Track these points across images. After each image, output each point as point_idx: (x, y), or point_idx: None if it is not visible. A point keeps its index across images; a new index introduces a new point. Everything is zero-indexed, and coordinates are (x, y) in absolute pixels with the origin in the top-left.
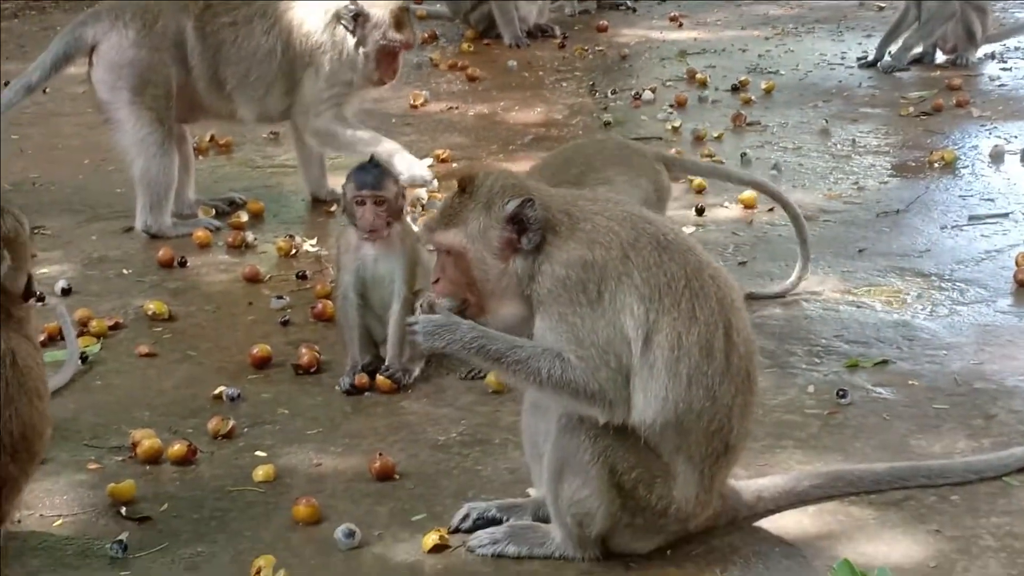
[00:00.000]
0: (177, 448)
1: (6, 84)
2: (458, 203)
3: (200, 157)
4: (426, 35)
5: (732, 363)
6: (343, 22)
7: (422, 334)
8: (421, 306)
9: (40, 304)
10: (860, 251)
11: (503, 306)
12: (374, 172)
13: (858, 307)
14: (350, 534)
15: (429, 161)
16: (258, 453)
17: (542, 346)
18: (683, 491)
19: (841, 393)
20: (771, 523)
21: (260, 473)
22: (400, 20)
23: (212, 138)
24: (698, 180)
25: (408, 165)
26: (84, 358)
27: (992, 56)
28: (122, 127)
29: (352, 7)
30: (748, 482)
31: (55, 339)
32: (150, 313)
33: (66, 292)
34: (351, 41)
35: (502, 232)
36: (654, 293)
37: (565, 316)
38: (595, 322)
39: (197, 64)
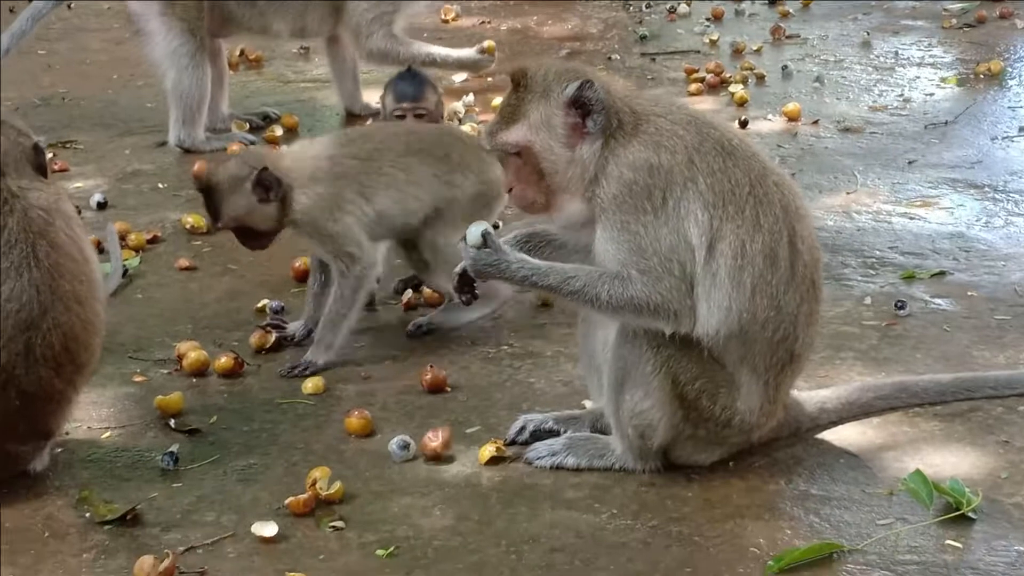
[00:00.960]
0: (224, 361)
1: None
2: (515, 100)
3: (230, 72)
4: None
5: (797, 271)
6: None
7: (472, 271)
8: (468, 240)
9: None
10: (910, 163)
11: (571, 202)
12: (414, 83)
13: (911, 219)
14: (404, 446)
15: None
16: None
17: (597, 271)
18: (747, 401)
19: (899, 304)
20: (834, 435)
21: (309, 386)
22: None
23: (242, 52)
24: (740, 92)
25: (471, 61)
26: (124, 271)
27: None
28: (153, 39)
29: None
30: (810, 393)
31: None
32: (188, 227)
33: (102, 206)
34: None
35: (565, 117)
36: (718, 200)
37: (627, 225)
38: (658, 230)
39: None
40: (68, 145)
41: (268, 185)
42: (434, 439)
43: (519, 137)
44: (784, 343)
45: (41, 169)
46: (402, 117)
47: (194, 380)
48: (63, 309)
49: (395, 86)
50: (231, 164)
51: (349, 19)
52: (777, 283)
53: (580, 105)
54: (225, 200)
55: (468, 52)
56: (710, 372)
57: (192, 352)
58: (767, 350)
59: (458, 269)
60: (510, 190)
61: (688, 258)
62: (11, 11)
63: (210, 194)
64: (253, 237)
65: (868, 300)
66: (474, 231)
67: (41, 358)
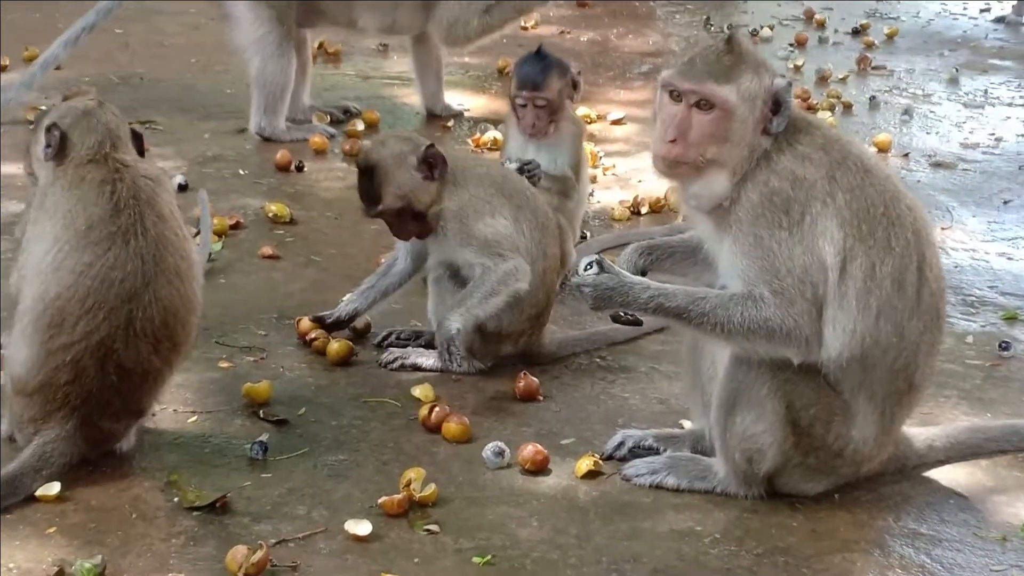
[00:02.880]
0: (338, 346)
1: None
2: (729, 60)
3: None
4: None
5: (923, 299)
6: None
7: (592, 298)
8: (587, 267)
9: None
10: (1005, 202)
11: (718, 180)
12: (538, 68)
13: (1010, 259)
14: (499, 452)
15: None
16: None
17: (727, 292)
18: (862, 431)
19: (1004, 345)
20: (942, 474)
21: (418, 392)
22: None
23: (321, 45)
24: (828, 119)
25: None
26: (208, 255)
27: None
28: (240, 24)
29: None
30: (919, 430)
31: None
32: (271, 215)
33: (182, 188)
34: None
35: (764, 104)
36: (854, 217)
37: (761, 240)
38: (792, 248)
39: None
40: (148, 125)
41: (433, 162)
42: (534, 451)
43: (728, 96)
44: (904, 372)
45: (140, 151)
46: (524, 107)
47: (281, 370)
48: (165, 283)
49: (519, 69)
50: (392, 142)
51: (447, 10)
52: (903, 309)
53: (776, 102)
54: (389, 176)
55: None
56: (826, 398)
57: (334, 344)
58: (886, 377)
59: (590, 305)
60: (672, 140)
61: (820, 279)
62: None
63: (372, 172)
64: (409, 220)
65: (970, 339)
66: (586, 259)
67: (141, 332)
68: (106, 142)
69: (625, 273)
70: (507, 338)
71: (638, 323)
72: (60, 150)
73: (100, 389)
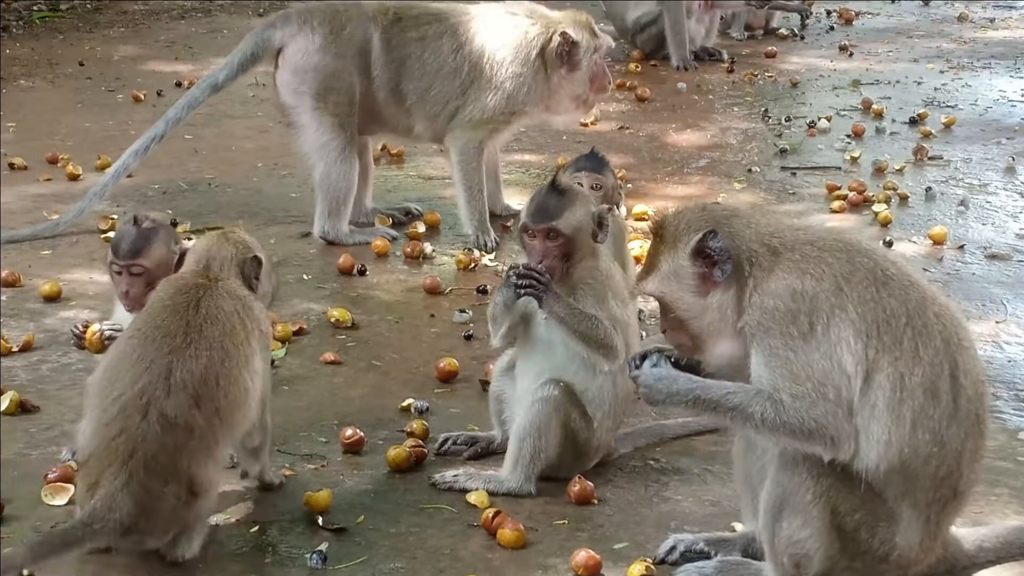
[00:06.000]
0: (396, 453)
1: (177, 85)
2: (653, 249)
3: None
4: None
5: (960, 406)
6: (556, 54)
7: (644, 387)
8: (643, 357)
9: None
10: None
11: (717, 344)
12: (595, 159)
13: None
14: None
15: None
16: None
17: (756, 388)
18: (906, 537)
19: None
20: (992, 575)
21: (473, 498)
22: (594, 28)
23: (384, 147)
24: (883, 212)
25: (474, 223)
26: (271, 362)
27: None
28: (304, 132)
29: (566, 39)
30: (969, 530)
31: None
32: (333, 320)
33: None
34: (556, 71)
35: (692, 268)
36: (872, 329)
37: (776, 350)
38: (809, 355)
39: (380, 74)
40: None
41: (603, 222)
42: (586, 557)
43: (653, 288)
44: (948, 480)
45: (247, 279)
46: (580, 184)
47: (341, 477)
48: (206, 348)
49: (577, 161)
50: (581, 196)
51: (464, 111)
52: (939, 418)
53: (705, 255)
54: (570, 208)
55: (481, 226)
56: (870, 504)
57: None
58: (929, 486)
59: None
60: (664, 330)
61: (844, 383)
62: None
63: (561, 193)
64: (559, 258)
65: (1022, 435)
66: (647, 352)
67: (180, 383)
68: (202, 261)
69: (671, 367)
70: (596, 452)
71: None
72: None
73: (145, 440)
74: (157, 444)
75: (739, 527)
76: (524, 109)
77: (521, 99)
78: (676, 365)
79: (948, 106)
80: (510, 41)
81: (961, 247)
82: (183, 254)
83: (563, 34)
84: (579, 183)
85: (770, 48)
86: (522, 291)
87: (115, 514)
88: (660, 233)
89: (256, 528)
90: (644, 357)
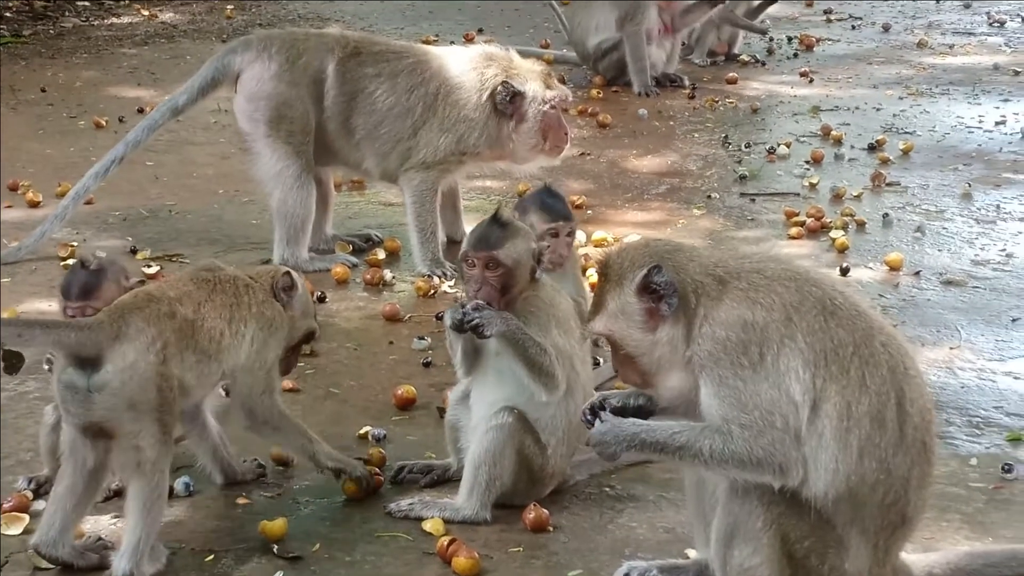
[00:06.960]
0: (353, 484)
1: (139, 111)
2: (600, 289)
3: (335, 193)
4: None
5: (906, 433)
6: (498, 105)
7: (595, 445)
8: (587, 411)
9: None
10: (1013, 320)
11: (668, 378)
12: (561, 201)
13: (1016, 378)
14: None
15: None
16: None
17: (702, 424)
18: (856, 563)
19: (1007, 467)
20: None
21: (429, 526)
22: (549, 80)
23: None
24: (840, 238)
25: (428, 261)
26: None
27: None
28: (260, 159)
29: (507, 88)
30: (919, 556)
31: None
32: None
33: None
34: (506, 120)
35: (639, 304)
36: (819, 359)
37: (726, 380)
38: (757, 385)
39: (331, 106)
40: (174, 259)
41: (541, 259)
42: None
43: (601, 327)
44: (895, 506)
45: (274, 292)
46: (556, 235)
47: (297, 504)
48: None
49: (543, 203)
50: (523, 231)
51: (416, 148)
52: (886, 446)
53: (651, 291)
54: (511, 240)
55: (435, 261)
56: (820, 531)
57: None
58: (877, 513)
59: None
60: (616, 373)
61: (791, 412)
62: None
63: (503, 226)
64: (497, 289)
65: (974, 461)
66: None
67: None
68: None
69: (613, 417)
70: (551, 478)
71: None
72: None
73: None
74: None
75: (692, 554)
76: (476, 151)
77: (472, 142)
78: (623, 410)
79: (906, 132)
80: (464, 84)
81: (917, 273)
82: (135, 287)
83: (504, 83)
84: (553, 232)
85: (731, 74)
86: (467, 327)
87: None
88: (605, 272)
89: (211, 557)
90: (595, 414)
